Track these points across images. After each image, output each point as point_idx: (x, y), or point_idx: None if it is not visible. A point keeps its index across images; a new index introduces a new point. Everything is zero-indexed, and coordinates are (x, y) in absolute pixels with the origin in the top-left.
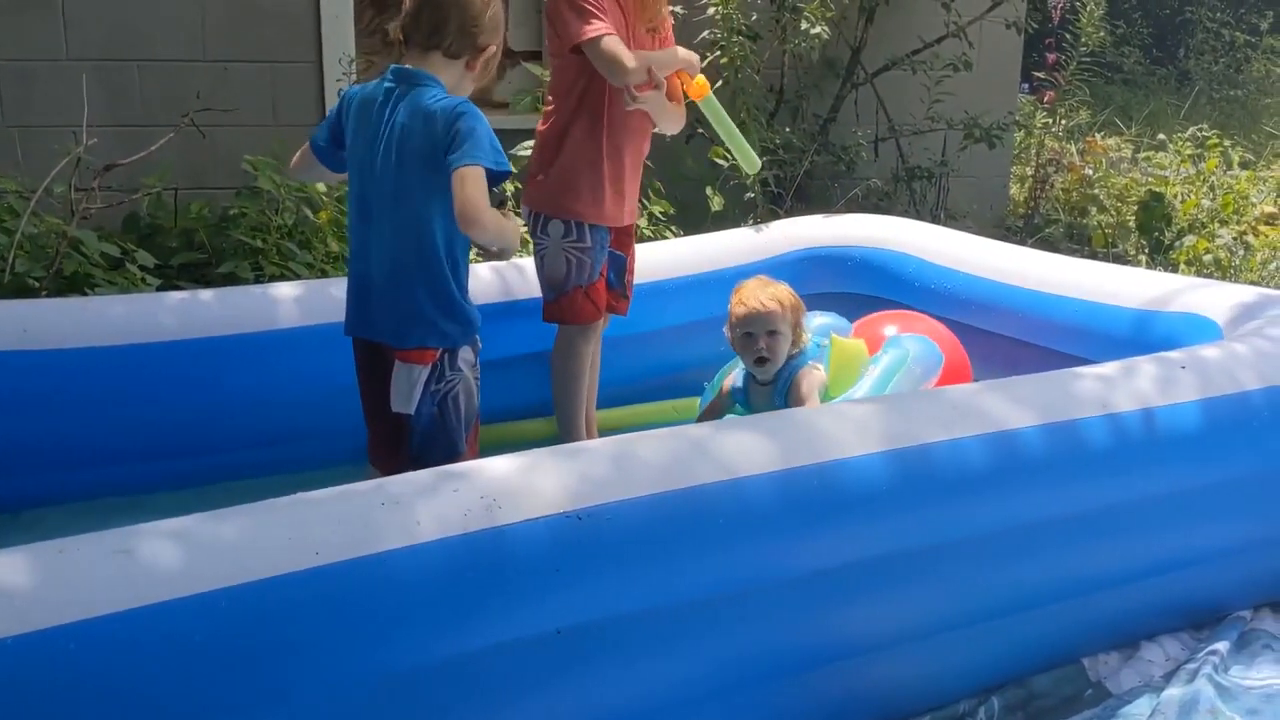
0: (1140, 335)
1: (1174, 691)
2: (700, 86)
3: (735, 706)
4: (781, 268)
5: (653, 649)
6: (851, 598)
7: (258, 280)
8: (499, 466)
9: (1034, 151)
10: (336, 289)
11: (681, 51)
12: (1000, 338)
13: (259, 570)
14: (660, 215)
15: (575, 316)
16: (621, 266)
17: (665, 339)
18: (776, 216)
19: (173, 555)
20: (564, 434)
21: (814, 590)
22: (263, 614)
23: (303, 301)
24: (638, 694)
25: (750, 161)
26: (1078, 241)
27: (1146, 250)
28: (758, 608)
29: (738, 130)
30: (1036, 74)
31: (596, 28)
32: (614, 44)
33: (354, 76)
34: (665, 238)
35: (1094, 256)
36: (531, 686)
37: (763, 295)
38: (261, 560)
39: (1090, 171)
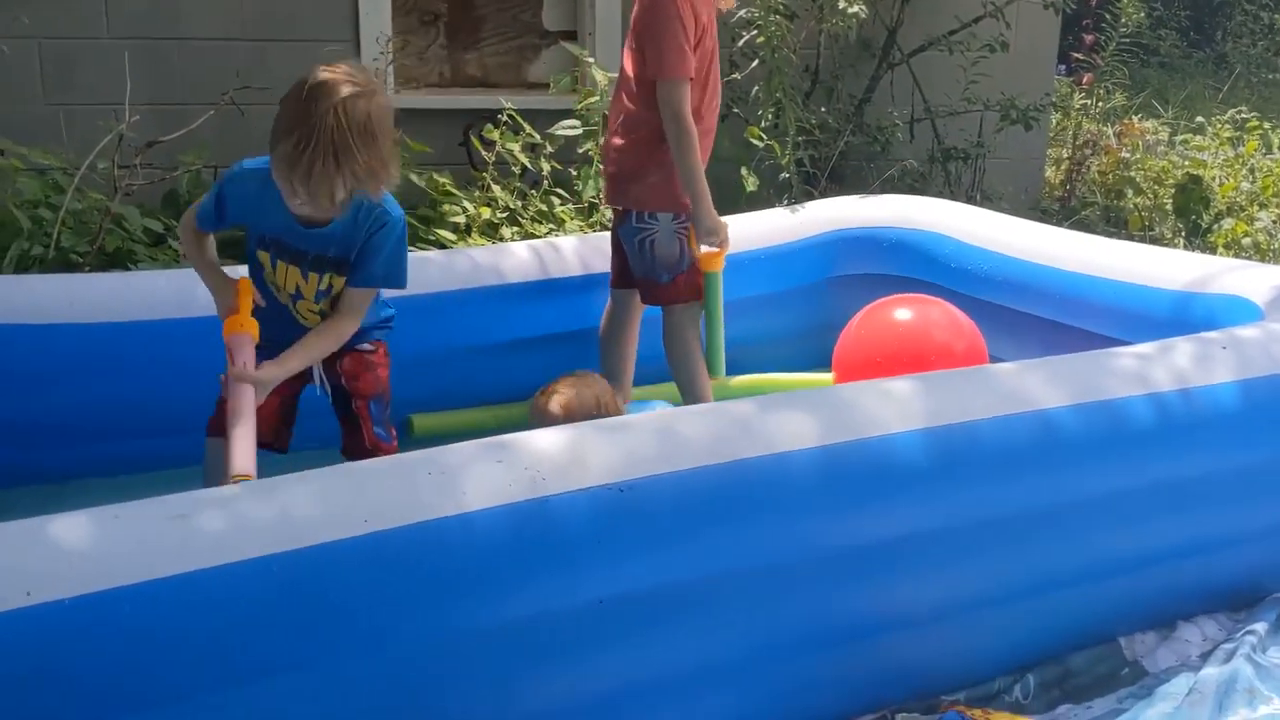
0: (1179, 316)
1: (1211, 671)
2: (714, 257)
3: (771, 679)
4: (816, 249)
5: (691, 620)
6: (889, 574)
7: None
8: (543, 440)
9: (1070, 133)
10: None
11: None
12: (1036, 319)
13: (310, 537)
14: None
15: (693, 292)
16: None
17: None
18: (811, 197)
19: (226, 521)
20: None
21: (852, 566)
22: (313, 579)
23: None
24: (676, 663)
25: (716, 364)
26: (1114, 224)
27: (1183, 233)
28: (796, 581)
29: (721, 327)
30: (1075, 55)
31: (688, 70)
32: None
33: (391, 56)
34: None
35: (1130, 239)
36: (574, 654)
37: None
38: (312, 527)
39: (1127, 154)
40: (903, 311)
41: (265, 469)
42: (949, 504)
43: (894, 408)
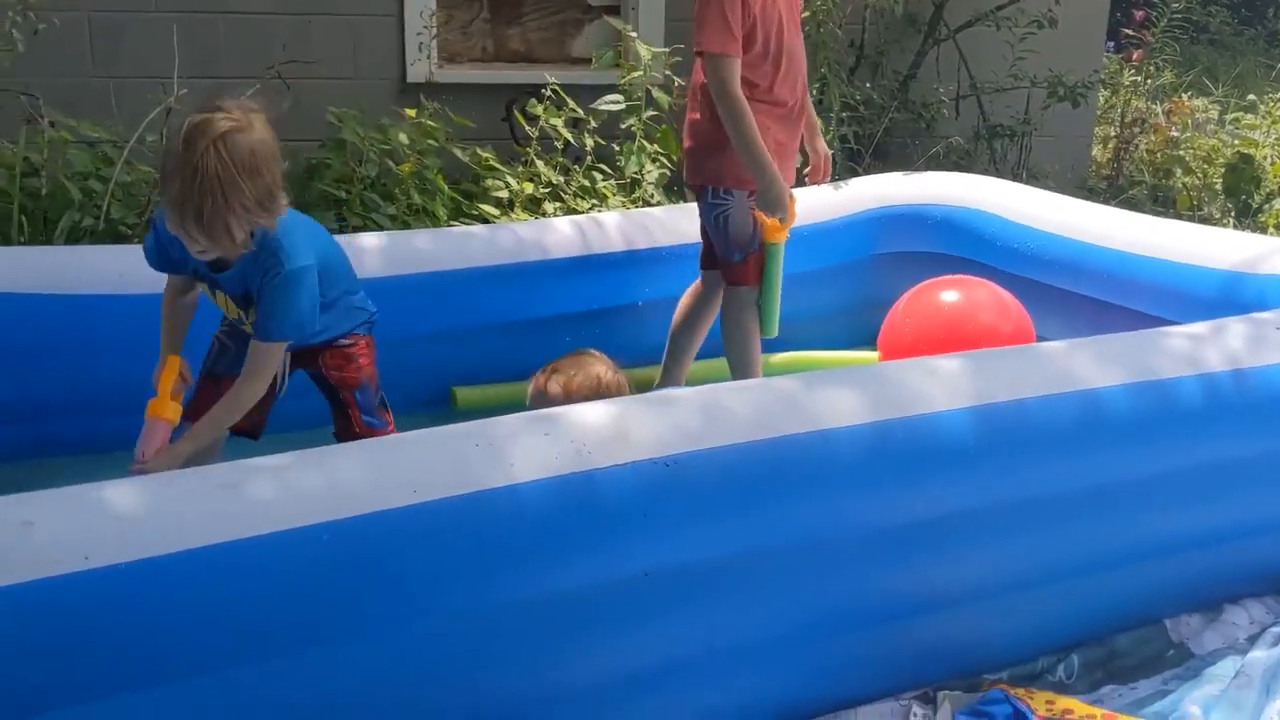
0: (1229, 297)
1: (1258, 654)
2: (778, 229)
3: (814, 654)
4: (860, 226)
5: (735, 595)
6: (934, 552)
7: (341, 231)
8: (589, 413)
9: (1119, 111)
10: (420, 240)
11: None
12: (1083, 299)
13: (358, 506)
14: None
15: (758, 274)
16: None
17: None
18: (855, 174)
19: (276, 490)
20: None
21: (896, 543)
22: (362, 548)
23: (386, 252)
24: (718, 638)
25: (770, 326)
26: (1162, 204)
27: (1233, 213)
28: (840, 558)
29: (779, 290)
30: (1125, 31)
31: (730, 48)
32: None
33: (434, 31)
34: None
35: (1178, 219)
36: (618, 628)
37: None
38: (361, 497)
39: (1176, 133)
40: (949, 294)
41: (260, 450)
42: (995, 483)
43: (940, 385)
